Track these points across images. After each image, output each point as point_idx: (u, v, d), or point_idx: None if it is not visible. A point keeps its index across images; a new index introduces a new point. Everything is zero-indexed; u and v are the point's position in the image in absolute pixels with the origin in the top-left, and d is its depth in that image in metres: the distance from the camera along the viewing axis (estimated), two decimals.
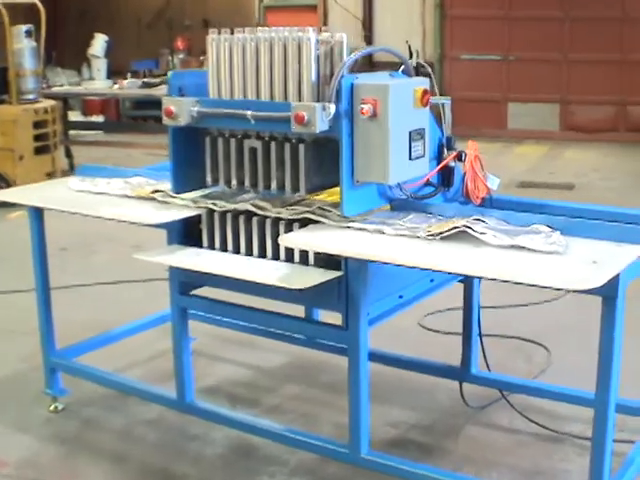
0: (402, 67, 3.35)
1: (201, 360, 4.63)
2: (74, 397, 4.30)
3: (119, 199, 3.81)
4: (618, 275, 2.66)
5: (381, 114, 3.05)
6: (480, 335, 4.01)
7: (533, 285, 2.65)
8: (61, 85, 12.18)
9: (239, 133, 3.42)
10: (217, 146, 3.48)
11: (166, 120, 3.42)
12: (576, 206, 3.49)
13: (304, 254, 3.25)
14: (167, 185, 3.68)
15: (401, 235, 3.05)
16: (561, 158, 12.14)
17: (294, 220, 3.27)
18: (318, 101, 3.14)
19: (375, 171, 3.11)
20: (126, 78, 11.72)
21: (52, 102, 9.81)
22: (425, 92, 3.20)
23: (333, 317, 3.45)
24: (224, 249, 3.47)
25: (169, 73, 3.65)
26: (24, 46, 9.54)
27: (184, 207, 3.52)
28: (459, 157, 3.52)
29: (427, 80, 3.29)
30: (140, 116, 14.82)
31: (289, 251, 3.28)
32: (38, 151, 9.35)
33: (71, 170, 10.68)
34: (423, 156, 3.27)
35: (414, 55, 11.03)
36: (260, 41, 3.29)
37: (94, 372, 4.20)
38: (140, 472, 3.77)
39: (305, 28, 3.20)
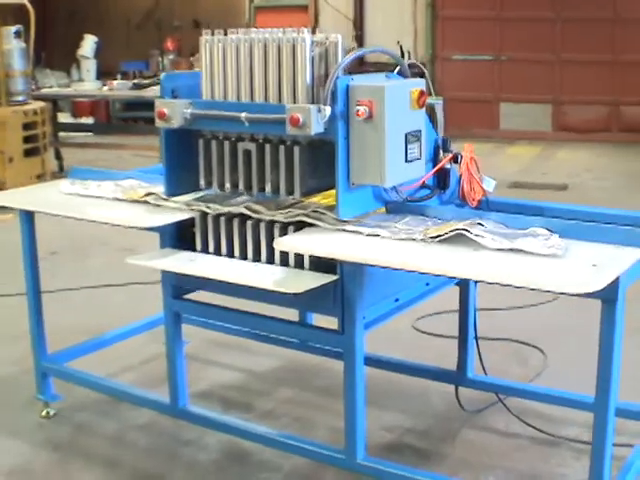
0: (398, 68, 3.31)
1: (194, 364, 4.58)
2: (66, 402, 4.25)
3: (111, 202, 3.76)
4: (618, 278, 2.63)
5: (377, 116, 3.01)
6: (476, 338, 3.97)
7: (533, 289, 2.62)
8: (50, 86, 12.14)
9: (233, 135, 3.37)
10: (211, 148, 3.43)
11: (159, 122, 3.38)
12: (573, 208, 3.45)
13: (299, 257, 3.21)
14: (160, 188, 3.63)
15: (397, 238, 3.01)
16: (554, 159, 12.14)
17: (289, 223, 3.23)
18: (313, 103, 3.11)
19: (371, 174, 3.07)
20: (116, 79, 11.70)
21: (42, 104, 9.77)
22: (421, 93, 3.17)
23: (326, 320, 3.43)
24: (218, 253, 3.43)
25: (161, 75, 3.61)
26: (13, 47, 9.49)
27: (177, 210, 3.48)
28: (455, 159, 3.49)
29: (423, 81, 3.26)
30: (130, 117, 14.79)
31: (284, 255, 3.24)
32: (28, 153, 9.29)
33: (61, 172, 10.66)
34: (419, 158, 3.23)
35: (406, 55, 11.02)
36: (254, 42, 3.25)
37: (86, 377, 4.16)
38: (133, 477, 3.73)
39: (300, 29, 3.16)
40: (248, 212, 3.32)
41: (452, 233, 2.95)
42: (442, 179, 3.46)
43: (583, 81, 13.13)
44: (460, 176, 3.53)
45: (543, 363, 4.73)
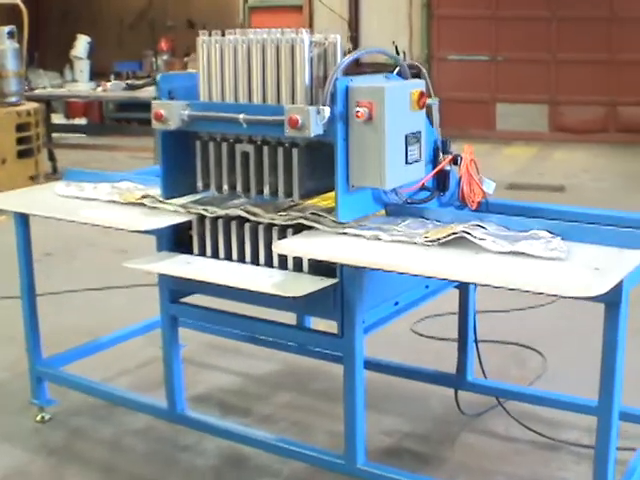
0: (397, 69, 3.27)
1: (191, 368, 4.54)
2: (61, 406, 4.21)
3: (107, 205, 3.72)
4: (621, 281, 2.60)
5: (377, 117, 2.97)
6: (476, 342, 3.94)
7: (536, 292, 2.60)
8: (44, 87, 12.06)
9: (231, 137, 3.34)
10: (208, 150, 3.40)
11: (155, 124, 3.34)
12: (575, 210, 3.42)
13: (298, 260, 3.18)
14: (156, 190, 3.59)
15: (398, 241, 2.98)
16: (550, 159, 12.12)
17: (287, 226, 3.19)
18: (312, 104, 3.07)
19: (371, 176, 3.03)
20: (109, 80, 11.63)
21: (35, 104, 9.71)
22: (422, 94, 3.14)
23: (324, 324, 3.38)
24: (215, 256, 3.39)
25: (154, 75, 3.58)
26: (6, 47, 9.43)
27: (174, 213, 3.44)
28: (454, 161, 3.46)
29: (422, 82, 3.23)
30: (124, 118, 14.74)
31: (282, 258, 3.20)
32: (21, 154, 9.23)
33: (54, 173, 10.62)
34: (419, 160, 3.20)
35: (401, 56, 11.00)
36: (252, 43, 3.21)
37: (82, 382, 4.11)
38: None
39: (298, 30, 3.13)
40: (246, 215, 3.28)
41: (453, 236, 2.91)
42: (442, 181, 3.43)
43: (580, 81, 13.12)
44: (460, 178, 3.50)
45: (542, 366, 4.70)
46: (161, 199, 3.52)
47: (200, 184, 3.45)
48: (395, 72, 3.27)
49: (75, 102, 14.63)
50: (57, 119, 13.74)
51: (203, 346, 4.94)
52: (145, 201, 3.58)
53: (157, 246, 3.55)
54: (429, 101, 3.43)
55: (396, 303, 3.36)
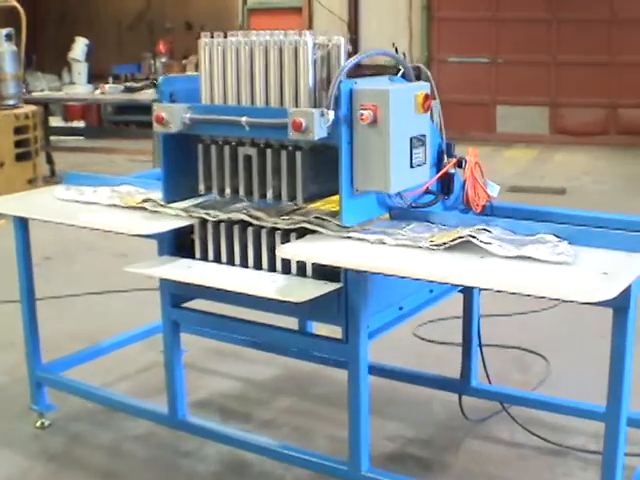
0: (401, 71, 3.23)
1: (192, 373, 4.50)
2: (61, 412, 4.17)
3: (107, 209, 3.68)
4: (630, 286, 2.57)
5: (381, 120, 2.93)
6: (480, 346, 3.91)
7: (542, 297, 2.57)
8: (42, 90, 12.00)
9: (233, 140, 3.30)
10: (210, 154, 3.35)
11: (157, 127, 3.30)
12: (581, 214, 3.39)
13: (301, 265, 3.14)
14: (157, 194, 3.55)
15: (402, 245, 2.94)
16: (551, 162, 12.09)
17: (291, 230, 3.16)
18: (315, 107, 3.04)
19: (376, 179, 2.99)
20: (107, 82, 11.59)
21: (33, 107, 9.67)
22: (426, 97, 3.10)
23: (326, 329, 3.35)
24: (218, 260, 3.35)
25: (157, 78, 3.54)
26: (4, 50, 9.40)
27: (176, 217, 3.40)
28: (459, 164, 3.43)
29: (427, 84, 3.19)
30: (122, 121, 14.69)
31: (286, 262, 3.17)
32: (19, 157, 9.19)
33: (52, 176, 10.59)
34: (424, 163, 3.16)
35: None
36: (255, 45, 3.17)
37: (82, 387, 4.08)
38: None
39: (302, 31, 3.09)
40: (249, 219, 3.24)
41: (459, 240, 2.88)
42: (446, 184, 3.40)
43: (580, 83, 13.09)
44: (464, 181, 3.47)
45: (546, 370, 4.66)
46: (162, 203, 3.48)
47: (202, 188, 3.41)
48: (399, 74, 3.23)
49: (73, 105, 14.59)
50: (55, 122, 13.70)
51: (203, 351, 4.90)
52: (146, 205, 3.55)
53: (158, 250, 3.51)
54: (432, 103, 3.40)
55: (400, 308, 3.33)
